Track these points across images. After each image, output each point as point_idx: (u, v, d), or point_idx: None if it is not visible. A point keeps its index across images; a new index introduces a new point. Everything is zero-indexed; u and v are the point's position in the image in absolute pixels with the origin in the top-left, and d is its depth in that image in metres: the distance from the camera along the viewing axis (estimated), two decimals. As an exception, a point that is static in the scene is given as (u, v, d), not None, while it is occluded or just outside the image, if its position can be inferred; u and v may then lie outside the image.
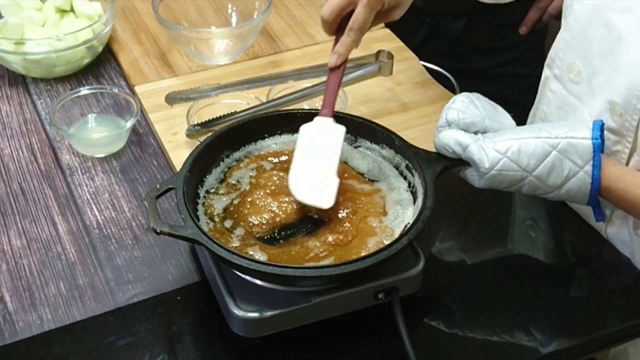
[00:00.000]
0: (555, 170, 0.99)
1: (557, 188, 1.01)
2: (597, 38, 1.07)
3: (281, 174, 1.07)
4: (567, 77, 1.14)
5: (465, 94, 1.04)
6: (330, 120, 1.06)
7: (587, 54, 1.09)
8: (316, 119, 1.06)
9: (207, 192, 1.06)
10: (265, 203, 1.03)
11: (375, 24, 1.09)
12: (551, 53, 1.18)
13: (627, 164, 1.07)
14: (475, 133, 1.02)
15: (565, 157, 0.99)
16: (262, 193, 1.04)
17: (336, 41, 1.08)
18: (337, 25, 1.08)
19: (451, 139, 1.01)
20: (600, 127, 0.99)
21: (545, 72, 1.20)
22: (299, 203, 1.02)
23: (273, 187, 1.05)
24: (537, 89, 1.72)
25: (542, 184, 1.01)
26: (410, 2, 1.10)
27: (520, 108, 1.81)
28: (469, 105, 1.02)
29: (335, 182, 1.02)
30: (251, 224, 1.01)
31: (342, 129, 1.06)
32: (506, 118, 1.05)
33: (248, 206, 1.03)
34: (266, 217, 1.02)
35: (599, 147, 0.99)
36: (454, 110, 1.02)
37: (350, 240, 1.00)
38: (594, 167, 0.99)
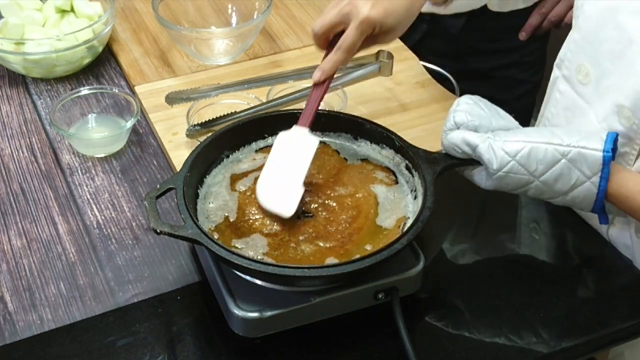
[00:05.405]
0: (563, 178, 1.00)
1: (563, 194, 1.02)
2: (608, 40, 1.06)
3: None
4: (575, 78, 1.13)
5: (467, 95, 1.05)
6: (306, 130, 1.05)
7: (596, 56, 1.08)
8: (293, 127, 1.06)
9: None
10: (254, 219, 1.03)
11: (365, 47, 1.10)
12: (560, 53, 1.17)
13: (634, 165, 1.07)
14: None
15: (574, 166, 0.99)
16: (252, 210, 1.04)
17: (325, 56, 1.08)
18: (328, 41, 1.09)
19: (459, 139, 1.02)
20: (613, 140, 0.99)
21: (555, 72, 1.19)
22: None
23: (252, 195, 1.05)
24: (533, 95, 1.72)
25: (548, 189, 1.02)
26: (404, 29, 1.11)
27: (513, 112, 1.81)
28: (474, 107, 1.03)
29: (299, 192, 1.01)
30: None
31: (315, 141, 1.05)
32: (510, 121, 1.06)
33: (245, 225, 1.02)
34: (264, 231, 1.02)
35: (609, 161, 0.99)
36: (461, 113, 1.02)
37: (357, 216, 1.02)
38: (602, 179, 1.00)
